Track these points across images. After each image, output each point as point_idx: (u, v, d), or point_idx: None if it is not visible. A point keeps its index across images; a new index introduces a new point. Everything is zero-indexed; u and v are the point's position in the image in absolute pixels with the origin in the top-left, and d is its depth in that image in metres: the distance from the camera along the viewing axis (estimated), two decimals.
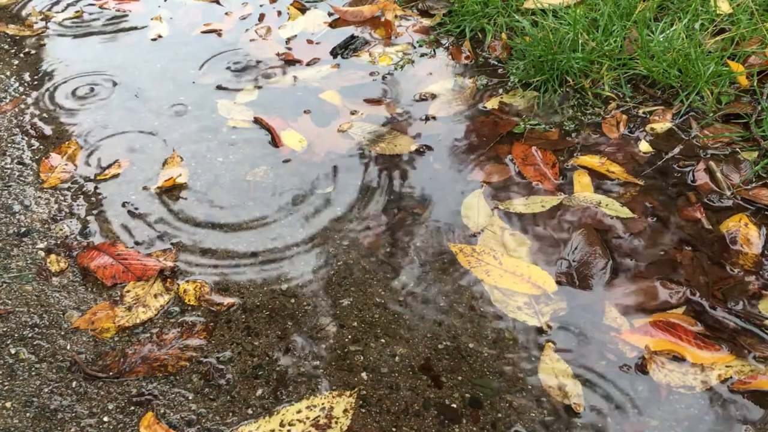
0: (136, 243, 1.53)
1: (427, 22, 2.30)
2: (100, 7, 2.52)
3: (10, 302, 1.41)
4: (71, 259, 1.49)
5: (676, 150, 1.67)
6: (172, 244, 1.53)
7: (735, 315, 1.30)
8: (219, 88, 2.04)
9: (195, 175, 1.71)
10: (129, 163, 1.76)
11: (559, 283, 1.38)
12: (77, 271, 1.47)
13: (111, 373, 1.26)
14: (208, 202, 1.63)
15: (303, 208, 1.60)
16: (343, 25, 2.33)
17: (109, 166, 1.75)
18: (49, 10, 2.53)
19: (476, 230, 1.51)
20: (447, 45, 2.18)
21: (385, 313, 1.35)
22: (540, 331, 1.30)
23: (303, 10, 2.42)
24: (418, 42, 2.21)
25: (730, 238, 1.44)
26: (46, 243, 1.54)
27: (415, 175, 1.68)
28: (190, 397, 1.22)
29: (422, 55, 2.14)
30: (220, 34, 2.31)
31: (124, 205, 1.63)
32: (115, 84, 2.08)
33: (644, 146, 1.70)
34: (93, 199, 1.66)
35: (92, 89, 2.07)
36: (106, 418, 1.20)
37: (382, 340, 1.30)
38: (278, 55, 2.18)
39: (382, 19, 2.33)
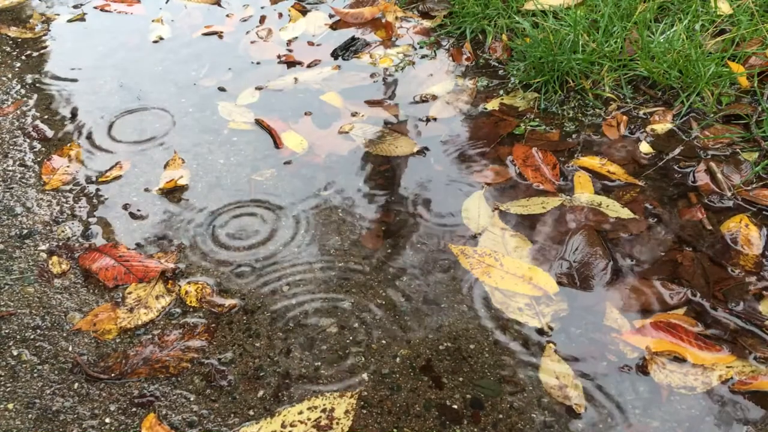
0: (138, 245, 1.54)
1: (427, 23, 2.30)
2: (102, 9, 2.53)
3: (12, 304, 1.42)
4: (73, 261, 1.50)
5: (677, 151, 1.67)
6: (173, 245, 1.53)
7: (736, 316, 1.30)
8: (220, 89, 2.05)
9: (196, 177, 1.72)
10: (130, 165, 1.77)
11: (560, 284, 1.38)
12: (79, 272, 1.48)
13: (113, 375, 1.27)
14: (209, 203, 1.64)
15: (303, 210, 1.61)
16: (343, 26, 2.34)
17: (111, 168, 1.76)
18: (51, 11, 2.53)
19: (477, 231, 1.51)
20: (447, 47, 2.18)
21: (386, 315, 1.35)
22: (541, 332, 1.30)
23: (304, 12, 2.42)
24: (418, 43, 2.21)
25: (730, 238, 1.44)
26: (48, 245, 1.55)
27: (415, 177, 1.68)
28: (192, 399, 1.23)
29: (423, 57, 2.15)
30: (221, 36, 2.32)
31: (125, 206, 1.64)
32: (117, 86, 2.09)
33: (645, 147, 1.70)
34: (95, 200, 1.66)
35: (94, 92, 2.07)
36: (108, 420, 1.20)
37: (384, 342, 1.30)
38: (279, 56, 2.19)
39: (383, 21, 2.33)
